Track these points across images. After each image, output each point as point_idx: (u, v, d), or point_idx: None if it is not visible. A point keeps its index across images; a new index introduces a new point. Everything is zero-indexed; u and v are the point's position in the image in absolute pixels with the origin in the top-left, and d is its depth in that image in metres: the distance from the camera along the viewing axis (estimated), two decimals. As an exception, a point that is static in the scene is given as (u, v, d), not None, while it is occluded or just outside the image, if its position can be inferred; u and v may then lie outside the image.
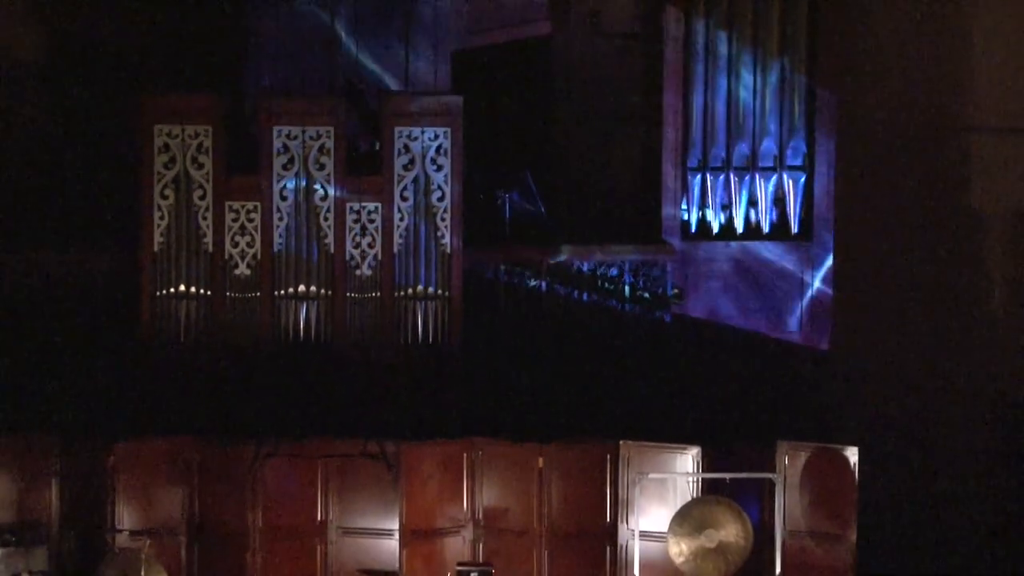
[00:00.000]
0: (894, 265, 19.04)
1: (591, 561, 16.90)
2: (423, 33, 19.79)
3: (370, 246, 17.79)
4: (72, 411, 17.60)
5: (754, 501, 16.43)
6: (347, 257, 17.80)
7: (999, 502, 17.99)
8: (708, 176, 18.33)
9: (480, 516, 16.99)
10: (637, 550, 16.52)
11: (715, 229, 18.37)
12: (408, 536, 16.87)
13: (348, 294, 17.79)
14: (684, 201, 18.31)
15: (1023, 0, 19.19)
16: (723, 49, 18.26)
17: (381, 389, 17.71)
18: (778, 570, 16.22)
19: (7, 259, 18.17)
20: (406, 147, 17.73)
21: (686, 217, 18.33)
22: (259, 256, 17.78)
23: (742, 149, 18.32)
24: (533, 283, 18.22)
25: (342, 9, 19.77)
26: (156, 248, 17.70)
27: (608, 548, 16.86)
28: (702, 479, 16.54)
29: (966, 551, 18.28)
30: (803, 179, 18.25)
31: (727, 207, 18.31)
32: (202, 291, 17.76)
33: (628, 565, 16.60)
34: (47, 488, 17.01)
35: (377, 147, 18.02)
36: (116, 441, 16.92)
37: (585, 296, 18.20)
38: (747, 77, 18.29)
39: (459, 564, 16.38)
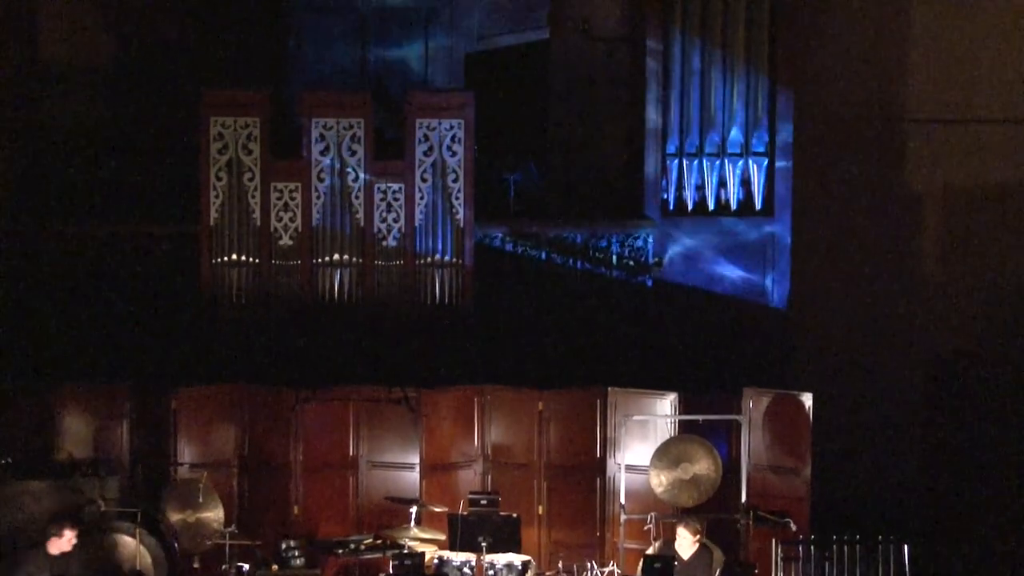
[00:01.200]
0: (843, 237, 19.11)
1: (583, 490, 16.96)
2: (440, 38, 19.85)
3: (395, 221, 17.85)
4: (141, 361, 17.67)
5: (723, 439, 16.47)
6: (375, 230, 17.85)
7: (929, 437, 18.04)
8: (684, 161, 18.33)
9: (488, 452, 17.05)
10: (623, 481, 16.58)
11: (690, 206, 18.37)
12: (427, 469, 16.99)
13: (376, 262, 17.85)
14: (663, 183, 18.32)
15: (954, 7, 19.18)
16: (697, 53, 18.25)
17: (404, 343, 17.77)
18: (743, 498, 16.25)
19: (92, 231, 18.27)
20: (426, 136, 17.78)
21: (665, 196, 18.33)
22: (299, 229, 17.83)
23: (713, 138, 18.33)
24: (534, 252, 18.25)
25: (371, 17, 19.80)
26: (212, 222, 17.77)
27: (598, 479, 16.92)
28: (679, 420, 16.58)
29: (903, 480, 18.33)
30: (765, 163, 18.29)
31: (700, 188, 18.34)
32: (251, 259, 17.82)
33: (615, 494, 16.64)
34: (119, 428, 17.03)
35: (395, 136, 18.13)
36: (178, 387, 17.00)
37: (578, 264, 18.23)
38: (717, 77, 18.31)
39: (471, 493, 16.39)
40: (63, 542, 14.38)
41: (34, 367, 17.56)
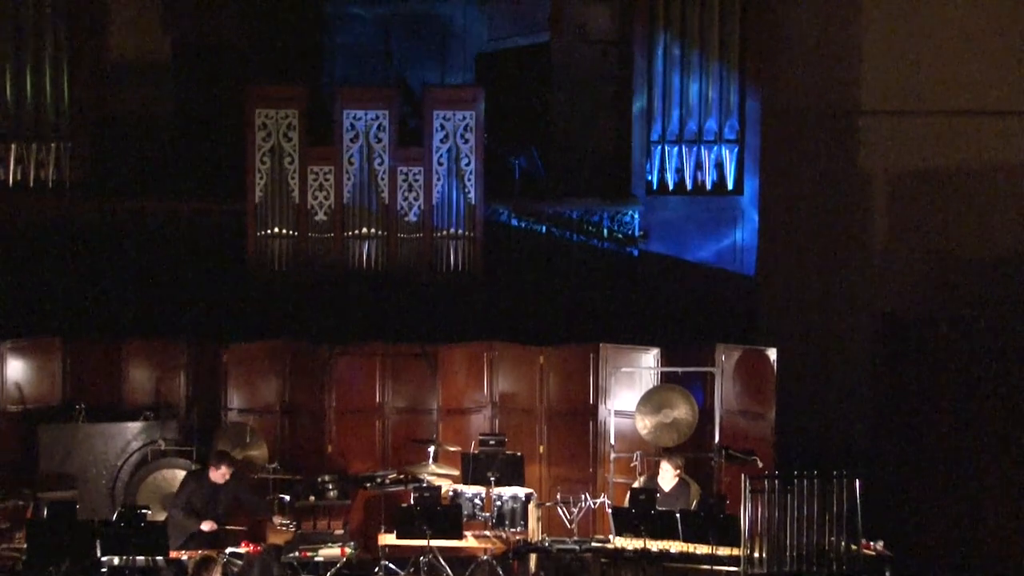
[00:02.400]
0: (803, 213, 19.11)
1: (578, 433, 17.01)
2: (455, 40, 19.82)
3: (415, 199, 17.81)
4: (196, 320, 17.67)
5: (699, 388, 16.50)
6: (398, 207, 17.82)
7: (878, 385, 18.02)
8: (666, 147, 18.30)
9: (496, 399, 17.08)
10: (612, 424, 16.62)
11: (671, 186, 18.33)
12: (443, 414, 17.05)
13: (399, 235, 17.81)
14: (648, 166, 18.28)
15: (902, 13, 19.13)
16: (677, 52, 18.20)
17: (423, 305, 17.76)
18: (717, 439, 16.25)
19: (154, 207, 18.25)
20: (442, 126, 17.74)
21: (649, 178, 18.29)
22: (333, 207, 17.80)
23: (691, 127, 18.29)
24: (535, 227, 18.23)
25: (395, 21, 19.75)
26: (257, 200, 17.75)
27: (591, 423, 16.95)
28: (661, 372, 16.62)
29: (855, 422, 18.36)
30: (736, 149, 18.25)
31: (680, 170, 18.31)
32: (291, 232, 17.79)
33: (606, 435, 16.67)
34: (177, 378, 17.11)
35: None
36: (228, 343, 17.04)
37: (574, 236, 18.21)
38: (695, 73, 18.27)
39: (481, 435, 16.45)
40: (218, 474, 14.77)
41: (105, 325, 17.55)
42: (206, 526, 14.57)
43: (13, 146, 18.07)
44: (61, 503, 14.73)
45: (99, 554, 13.82)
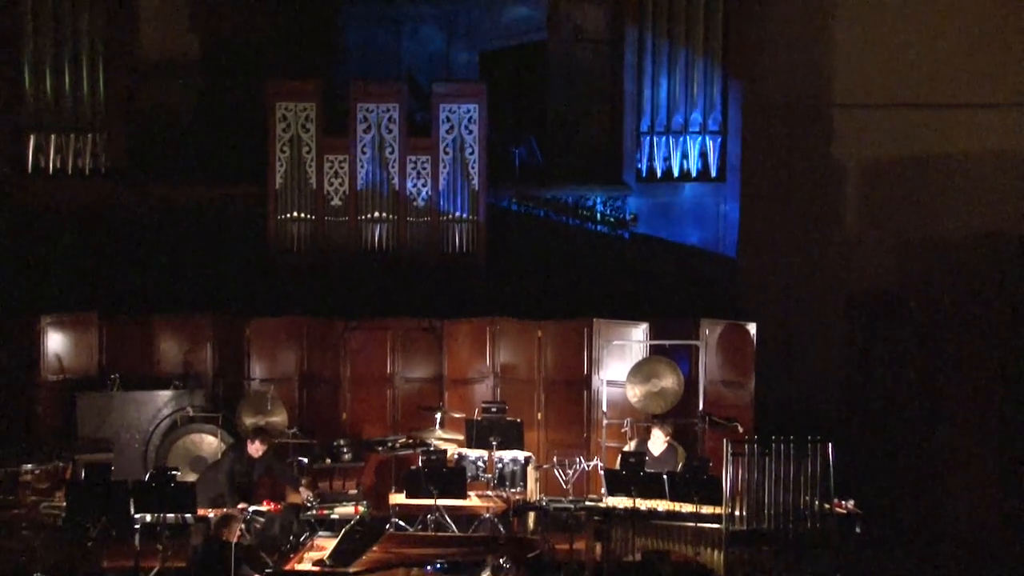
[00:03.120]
0: (781, 198, 19.05)
1: (573, 401, 17.04)
2: (460, 39, 19.76)
3: (423, 185, 17.80)
4: (221, 297, 17.65)
5: (685, 360, 16.51)
6: (407, 193, 17.80)
7: (849, 357, 18.07)
8: (654, 138, 18.26)
9: (497, 370, 17.09)
10: (605, 393, 16.65)
11: (659, 174, 18.30)
12: (449, 383, 17.07)
13: (408, 218, 17.80)
14: (638, 155, 18.25)
15: (873, 13, 19.10)
16: (665, 50, 18.17)
17: (430, 283, 17.73)
18: (701, 407, 16.29)
19: (181, 192, 18.25)
20: (448, 118, 17.71)
21: (639, 166, 18.26)
22: (347, 192, 17.79)
23: (677, 119, 18.26)
24: (534, 211, 18.22)
25: (405, 21, 19.71)
26: (277, 186, 17.73)
27: (585, 392, 16.97)
28: (649, 345, 16.63)
29: (828, 391, 18.35)
30: (719, 140, 18.21)
31: (667, 159, 18.27)
32: (308, 216, 17.78)
33: (599, 403, 16.73)
34: (204, 350, 17.14)
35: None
36: (251, 318, 17.08)
37: (570, 220, 18.20)
38: (681, 69, 18.23)
39: (483, 403, 16.42)
40: (254, 448, 14.81)
41: (138, 301, 17.55)
42: (241, 506, 14.58)
43: (53, 137, 18.05)
44: (97, 465, 14.76)
45: (132, 512, 13.86)
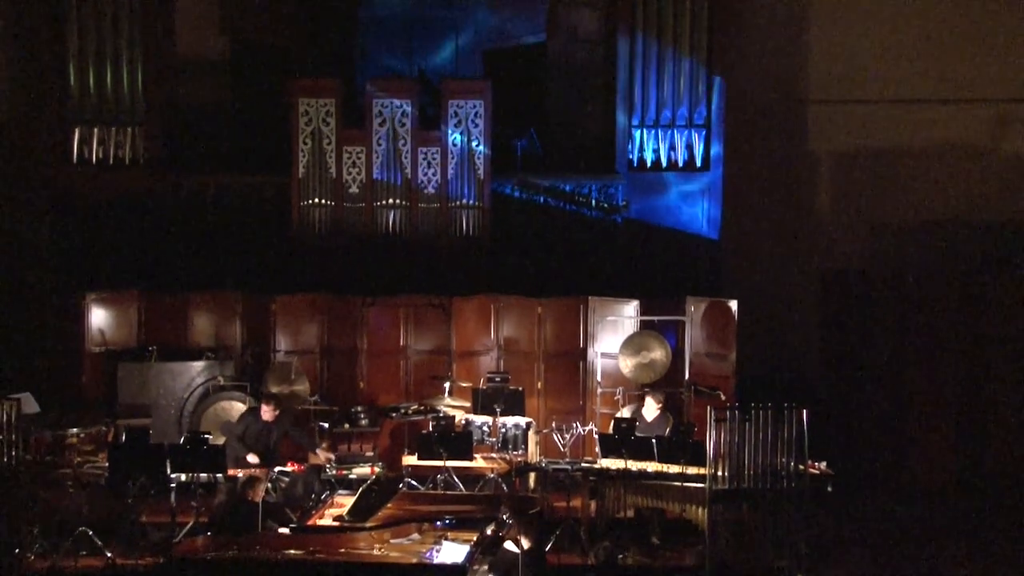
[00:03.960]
0: (760, 186, 19.06)
1: (570, 371, 16.99)
2: (467, 39, 19.69)
3: (433, 174, 17.77)
4: (249, 276, 17.64)
5: (672, 334, 16.47)
6: (419, 181, 17.77)
7: (823, 331, 18.02)
8: (644, 131, 18.23)
9: (501, 343, 17.05)
10: (599, 364, 16.63)
11: (648, 164, 18.26)
12: (457, 355, 17.05)
13: (419, 204, 17.77)
14: (629, 146, 18.20)
15: (845, 16, 19.06)
16: (654, 51, 18.11)
17: (439, 264, 17.73)
18: (687, 376, 16.26)
19: (212, 180, 18.23)
20: (455, 113, 17.67)
21: (630, 156, 18.22)
22: (364, 181, 17.77)
23: (666, 113, 18.21)
24: (535, 198, 18.18)
25: (416, 23, 19.64)
26: (300, 175, 17.71)
27: (581, 363, 16.93)
28: (640, 320, 16.60)
29: (803, 362, 18.35)
30: (704, 132, 18.18)
31: (656, 150, 18.23)
32: (329, 202, 17.76)
33: (593, 373, 16.68)
34: (233, 324, 17.13)
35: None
36: (276, 295, 17.06)
37: (567, 206, 18.16)
38: (669, 67, 18.17)
39: (488, 373, 16.43)
40: (266, 411, 14.80)
41: (173, 279, 17.55)
42: (251, 458, 14.58)
43: (96, 130, 18.06)
44: (137, 429, 14.81)
45: (168, 471, 13.86)
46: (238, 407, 15.86)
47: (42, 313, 17.04)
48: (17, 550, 13.52)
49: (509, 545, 11.72)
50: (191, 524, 13.92)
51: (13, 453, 13.31)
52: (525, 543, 11.64)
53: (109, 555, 13.68)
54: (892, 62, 18.97)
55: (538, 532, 12.06)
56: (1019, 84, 18.80)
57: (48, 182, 18.15)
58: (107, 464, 14.22)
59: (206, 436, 14.38)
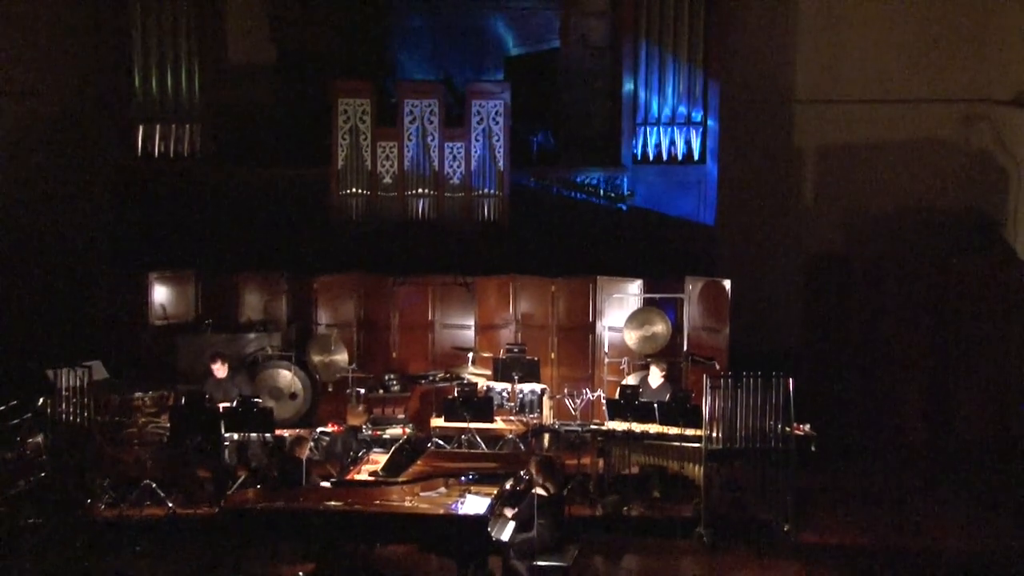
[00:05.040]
0: (751, 178, 18.97)
1: (580, 343, 17.01)
2: (488, 46, 19.61)
3: (458, 167, 17.70)
4: (294, 258, 17.62)
5: (672, 310, 16.49)
6: (445, 173, 17.70)
7: (807, 308, 18.02)
8: (647, 128, 18.09)
9: (519, 317, 17.07)
10: (606, 337, 16.66)
11: (651, 158, 18.13)
12: (479, 328, 17.07)
13: (446, 194, 17.70)
14: (634, 142, 18.10)
15: (829, 25, 18.96)
16: (656, 56, 17.97)
17: (463, 247, 17.65)
18: (685, 348, 16.27)
19: (260, 172, 18.15)
20: (478, 112, 17.60)
21: (635, 151, 18.09)
22: (396, 172, 17.70)
23: (667, 112, 18.09)
24: (549, 188, 18.12)
25: (444, 31, 19.58)
26: (339, 167, 17.65)
27: (590, 336, 16.94)
28: (643, 297, 16.59)
29: (789, 335, 18.29)
30: (701, 130, 18.03)
31: (658, 145, 18.10)
32: (364, 191, 17.69)
33: (601, 345, 16.73)
34: (280, 300, 17.18)
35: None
36: (317, 275, 17.10)
37: (577, 195, 18.09)
38: (669, 71, 18.04)
39: (507, 344, 16.49)
40: (217, 369, 15.10)
41: (227, 261, 17.56)
42: (307, 430, 14.69)
43: (158, 127, 18.04)
44: (194, 393, 14.82)
45: (223, 431, 13.92)
46: (284, 374, 15.89)
47: (110, 290, 17.05)
48: (89, 500, 13.61)
49: (534, 494, 11.72)
50: (242, 478, 13.98)
51: (85, 414, 13.40)
52: (551, 490, 11.70)
53: (170, 505, 13.77)
54: (871, 66, 18.87)
55: (559, 485, 12.10)
56: (984, 86, 18.68)
57: (115, 173, 18.14)
58: (168, 424, 14.29)
59: (256, 401, 14.46)
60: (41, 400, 13.75)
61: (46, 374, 13.58)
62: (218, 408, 14.25)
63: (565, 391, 15.76)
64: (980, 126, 18.78)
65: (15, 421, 13.92)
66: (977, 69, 18.70)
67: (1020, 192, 18.01)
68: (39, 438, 13.76)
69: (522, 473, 12.06)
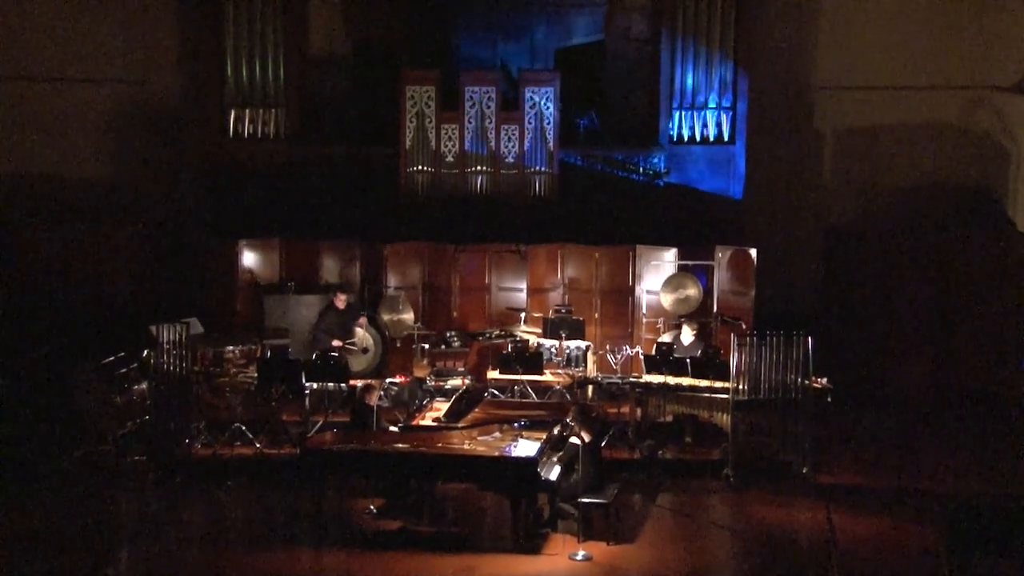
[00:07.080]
0: (776, 157, 18.73)
1: (621, 305, 16.85)
2: (540, 39, 19.40)
3: (513, 147, 17.56)
4: (367, 228, 17.56)
5: (703, 275, 16.34)
6: (501, 152, 17.59)
7: (826, 273, 17.84)
8: (682, 112, 17.90)
9: (566, 282, 16.96)
10: (644, 299, 16.53)
11: (685, 139, 17.94)
12: (530, 291, 16.96)
13: (501, 171, 17.59)
14: (670, 125, 17.91)
15: (848, 18, 18.63)
16: (691, 47, 17.78)
17: (517, 218, 17.53)
18: (715, 309, 16.13)
19: (338, 151, 18.08)
20: (531, 98, 17.46)
21: (671, 133, 17.91)
22: (457, 152, 17.60)
23: (699, 98, 17.89)
24: (594, 166, 17.97)
25: (501, 26, 19.40)
26: (407, 147, 17.57)
27: (630, 298, 16.80)
28: (677, 264, 16.45)
29: (808, 297, 18.11)
30: (731, 113, 17.83)
31: (692, 128, 17.90)
32: (429, 169, 17.60)
33: (639, 307, 16.61)
34: (354, 265, 17.16)
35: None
36: (387, 243, 17.05)
37: (619, 172, 17.93)
38: (703, 61, 17.83)
39: (555, 306, 16.39)
40: (340, 301, 15.45)
41: (308, 229, 17.55)
42: (335, 343, 14.99)
43: (247, 111, 18.06)
44: (279, 347, 14.87)
45: (303, 381, 13.96)
46: (358, 331, 15.89)
47: (205, 256, 17.12)
48: (187, 440, 13.70)
49: (574, 440, 11.73)
50: (320, 423, 14.02)
51: (183, 365, 13.47)
52: (586, 438, 11.65)
53: (257, 446, 13.84)
54: (884, 56, 18.57)
55: (596, 431, 12.06)
56: (987, 74, 18.37)
57: (209, 153, 18.19)
58: (256, 375, 14.35)
59: (333, 353, 14.46)
60: (145, 352, 13.85)
61: (150, 330, 13.65)
62: (299, 360, 14.28)
63: (607, 347, 15.64)
64: (984, 110, 18.49)
65: (123, 370, 14.08)
66: (981, 58, 18.40)
67: (1019, 171, 17.78)
68: (143, 385, 13.88)
69: (567, 419, 12.01)
